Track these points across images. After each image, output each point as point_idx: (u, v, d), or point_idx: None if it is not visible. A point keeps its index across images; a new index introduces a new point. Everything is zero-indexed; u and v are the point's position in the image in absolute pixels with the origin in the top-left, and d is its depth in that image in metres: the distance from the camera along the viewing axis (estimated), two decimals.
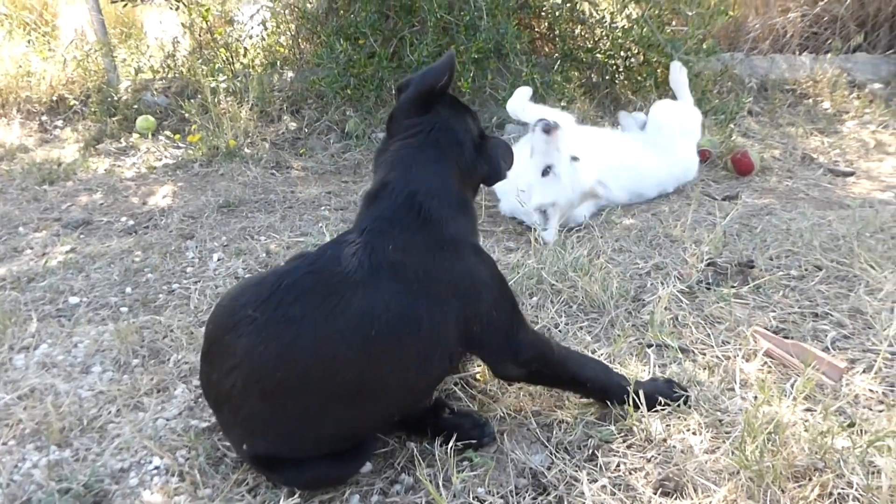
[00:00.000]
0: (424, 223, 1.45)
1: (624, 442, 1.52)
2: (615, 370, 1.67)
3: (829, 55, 5.11)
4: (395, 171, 1.54)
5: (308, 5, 4.81)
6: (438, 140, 1.56)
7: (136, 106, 4.58)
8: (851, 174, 3.67)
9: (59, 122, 4.59)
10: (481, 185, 1.73)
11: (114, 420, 1.69)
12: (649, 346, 1.89)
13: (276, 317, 1.32)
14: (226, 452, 1.55)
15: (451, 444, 1.45)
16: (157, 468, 1.52)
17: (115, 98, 4.62)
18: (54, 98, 4.68)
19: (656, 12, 4.00)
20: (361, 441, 1.45)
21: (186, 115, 4.32)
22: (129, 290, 2.37)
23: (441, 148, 1.56)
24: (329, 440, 1.40)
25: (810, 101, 4.88)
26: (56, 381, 1.83)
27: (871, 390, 1.65)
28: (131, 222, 3.06)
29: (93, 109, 4.53)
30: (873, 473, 1.33)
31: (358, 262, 1.38)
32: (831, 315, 2.02)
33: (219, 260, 2.58)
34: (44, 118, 4.61)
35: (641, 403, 1.55)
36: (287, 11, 4.97)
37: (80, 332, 2.09)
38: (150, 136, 4.32)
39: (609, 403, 1.60)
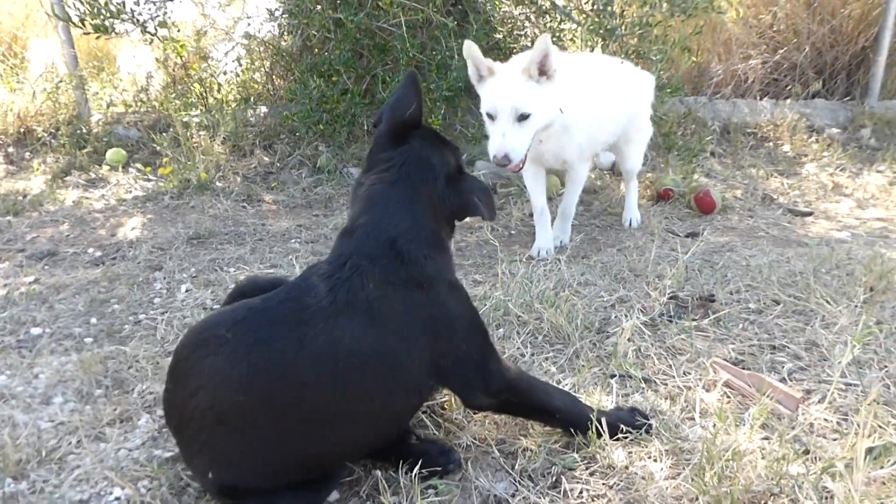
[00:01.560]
0: (400, 262, 1.47)
1: (587, 469, 1.54)
2: (581, 400, 1.69)
3: (788, 101, 5.31)
4: (368, 208, 1.54)
5: (283, 43, 4.88)
6: (410, 174, 1.57)
7: (106, 139, 4.57)
8: (810, 214, 3.79)
9: (27, 154, 4.55)
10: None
11: (74, 451, 1.66)
12: (612, 376, 1.93)
13: (248, 339, 1.33)
14: (189, 482, 1.53)
15: (416, 471, 1.45)
16: (117, 499, 1.49)
17: (86, 131, 4.61)
18: (22, 130, 4.65)
19: (622, 53, 4.12)
20: (329, 471, 1.45)
21: (158, 147, 4.33)
22: (94, 320, 2.35)
23: (413, 182, 1.56)
24: (294, 470, 1.40)
25: (771, 144, 5.05)
26: (14, 412, 1.80)
27: (825, 419, 1.69)
28: (98, 253, 3.04)
29: (62, 142, 4.51)
30: (827, 499, 1.37)
31: (334, 296, 1.39)
32: (788, 347, 2.08)
33: (187, 291, 2.58)
34: (10, 150, 4.57)
35: (604, 431, 1.57)
36: (262, 49, 5.04)
37: (42, 362, 2.06)
38: (120, 168, 4.31)
39: (574, 433, 1.62)
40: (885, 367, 1.94)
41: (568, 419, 1.61)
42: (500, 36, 4.59)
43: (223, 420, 1.32)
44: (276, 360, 1.32)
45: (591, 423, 1.56)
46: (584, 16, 4.39)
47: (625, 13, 4.16)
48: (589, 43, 4.15)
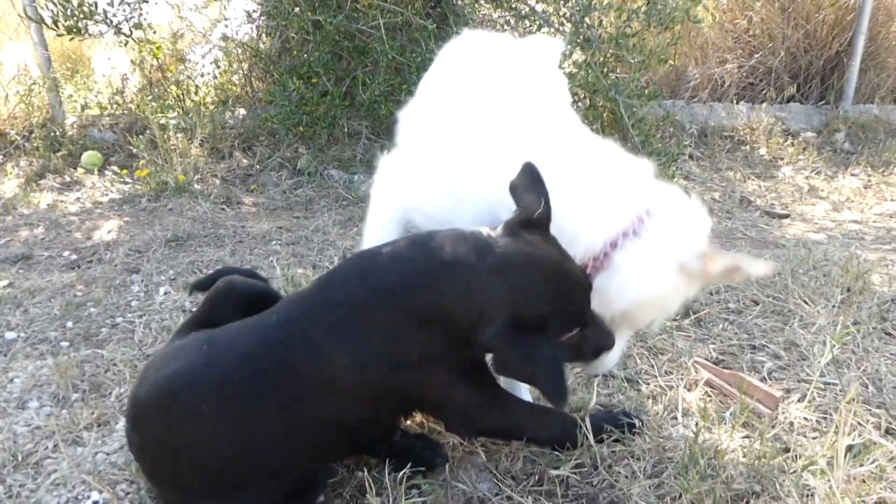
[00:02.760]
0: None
1: (571, 468, 1.54)
2: (570, 417, 1.63)
3: (764, 105, 5.38)
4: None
5: (261, 45, 4.85)
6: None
7: (81, 142, 4.50)
8: (787, 216, 3.84)
9: (0, 158, 4.47)
10: None
11: (51, 455, 1.63)
12: (595, 376, 1.93)
13: (229, 409, 1.32)
14: None
15: (403, 470, 1.44)
16: (95, 503, 1.47)
17: (60, 134, 4.54)
18: None
19: (601, 59, 4.15)
20: (313, 477, 1.44)
21: (134, 150, 4.27)
22: (70, 324, 2.31)
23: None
24: (274, 484, 1.40)
25: (747, 147, 5.11)
26: None
27: (805, 418, 1.71)
28: (74, 257, 2.99)
29: (36, 145, 4.43)
30: (808, 496, 1.38)
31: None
32: (768, 347, 2.10)
33: (165, 294, 2.54)
34: None
35: (588, 432, 1.57)
36: (240, 51, 4.99)
37: (17, 367, 2.02)
38: (95, 171, 4.25)
39: (563, 449, 1.59)
40: (863, 366, 1.96)
41: (556, 444, 1.58)
42: None
43: (206, 474, 1.35)
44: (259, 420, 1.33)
45: (579, 432, 1.56)
46: (562, 22, 4.42)
47: (603, 22, 4.19)
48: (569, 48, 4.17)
